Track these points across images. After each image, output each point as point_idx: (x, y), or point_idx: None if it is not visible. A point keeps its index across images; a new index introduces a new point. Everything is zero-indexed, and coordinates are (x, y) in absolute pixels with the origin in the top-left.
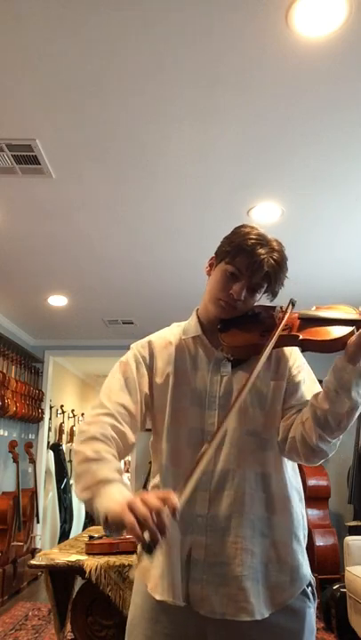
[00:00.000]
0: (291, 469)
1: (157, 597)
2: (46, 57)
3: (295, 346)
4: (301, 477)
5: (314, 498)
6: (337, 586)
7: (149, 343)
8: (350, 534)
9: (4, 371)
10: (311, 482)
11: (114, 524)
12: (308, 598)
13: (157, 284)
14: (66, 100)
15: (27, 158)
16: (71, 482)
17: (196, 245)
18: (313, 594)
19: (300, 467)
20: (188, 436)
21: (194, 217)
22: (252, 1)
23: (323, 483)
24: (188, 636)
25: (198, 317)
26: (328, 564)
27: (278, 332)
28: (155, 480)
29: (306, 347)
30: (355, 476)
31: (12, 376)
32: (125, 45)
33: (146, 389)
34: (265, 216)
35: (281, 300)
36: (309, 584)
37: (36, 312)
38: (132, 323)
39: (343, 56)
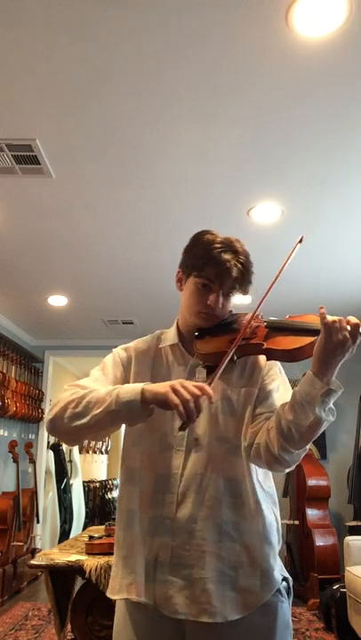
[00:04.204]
0: (262, 474)
1: (114, 597)
2: (46, 57)
3: (260, 354)
4: (301, 477)
5: (314, 498)
6: (337, 586)
7: (129, 348)
8: (350, 534)
9: (4, 371)
10: (311, 482)
11: (153, 402)
12: (281, 594)
13: (157, 284)
14: (66, 100)
15: (27, 158)
16: (71, 481)
17: None
18: (288, 590)
19: (299, 466)
20: (160, 441)
21: (194, 217)
22: (252, 1)
23: (323, 483)
24: (168, 637)
25: (178, 327)
26: (328, 564)
27: (239, 340)
28: (124, 481)
29: (270, 355)
30: (355, 476)
31: (12, 376)
32: (125, 45)
33: None
34: (265, 216)
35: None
36: (283, 580)
37: (36, 312)
38: (132, 323)
39: (343, 56)
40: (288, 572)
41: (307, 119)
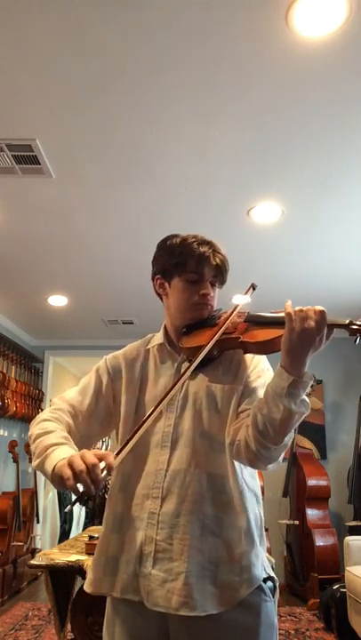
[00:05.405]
0: (248, 473)
1: (93, 592)
2: (47, 57)
3: (237, 348)
4: (301, 477)
5: (314, 498)
6: (337, 586)
7: (118, 356)
8: (350, 534)
9: (4, 371)
10: (311, 482)
11: (57, 477)
12: (265, 593)
13: None
14: (66, 101)
15: (27, 158)
16: None
17: None
18: (272, 589)
19: (299, 466)
20: (149, 442)
21: (194, 217)
22: (253, 1)
23: (323, 483)
24: (152, 634)
25: (165, 329)
26: (328, 564)
27: (217, 334)
28: (117, 487)
29: (246, 349)
30: (355, 476)
31: (12, 376)
32: (126, 46)
33: (108, 397)
34: (265, 216)
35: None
36: (268, 580)
37: (35, 312)
38: (132, 323)
39: (343, 56)
40: (288, 571)
41: (307, 119)
